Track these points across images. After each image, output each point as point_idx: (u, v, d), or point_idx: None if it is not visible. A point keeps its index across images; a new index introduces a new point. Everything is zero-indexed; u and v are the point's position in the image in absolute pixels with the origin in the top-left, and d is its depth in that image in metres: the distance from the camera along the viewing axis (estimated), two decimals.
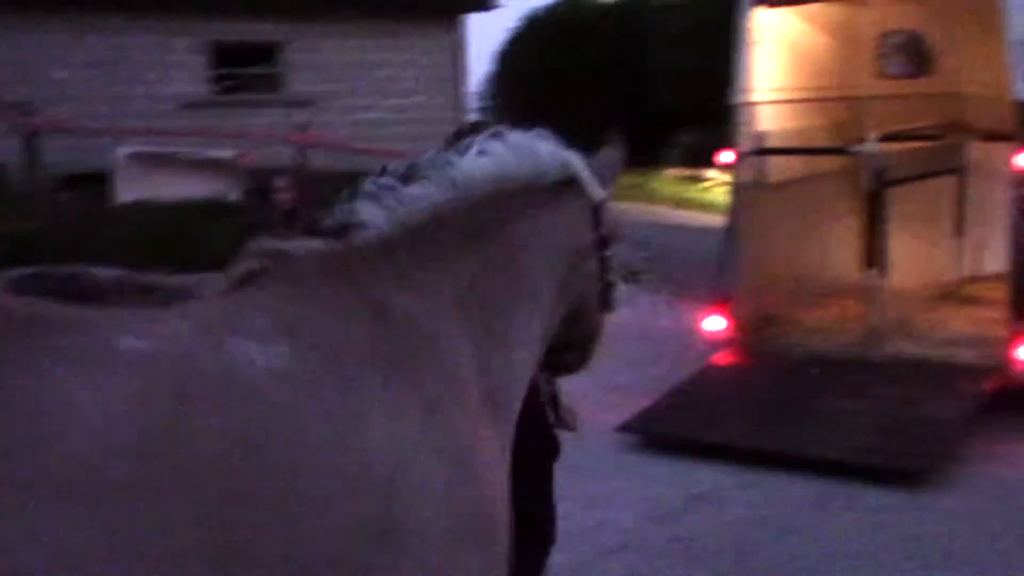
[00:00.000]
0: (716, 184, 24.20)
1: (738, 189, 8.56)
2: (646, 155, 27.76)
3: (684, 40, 26.84)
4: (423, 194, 2.49)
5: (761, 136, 8.71)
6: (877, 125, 9.64)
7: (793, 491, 6.49)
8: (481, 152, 2.63)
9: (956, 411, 7.16)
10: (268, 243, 2.37)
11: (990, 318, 8.61)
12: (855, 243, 9.38)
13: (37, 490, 1.68)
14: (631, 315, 11.71)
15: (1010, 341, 7.53)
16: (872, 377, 7.75)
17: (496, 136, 2.71)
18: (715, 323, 8.59)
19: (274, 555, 1.92)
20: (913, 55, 10.47)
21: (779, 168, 8.93)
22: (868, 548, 5.71)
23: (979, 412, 7.23)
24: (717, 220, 20.03)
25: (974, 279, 9.99)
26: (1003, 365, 7.56)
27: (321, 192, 10.07)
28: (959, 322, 8.75)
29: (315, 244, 2.35)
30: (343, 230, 2.39)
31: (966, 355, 7.98)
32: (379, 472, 2.10)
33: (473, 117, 24.67)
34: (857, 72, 10.29)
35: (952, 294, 9.60)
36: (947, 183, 9.58)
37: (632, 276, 14.00)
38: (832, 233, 9.81)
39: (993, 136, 9.82)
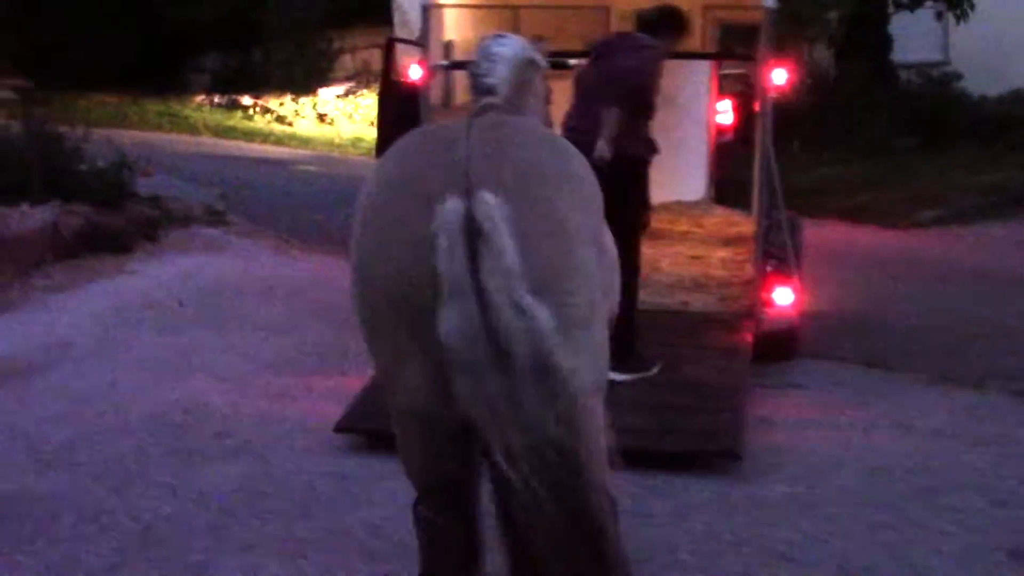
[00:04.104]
0: (259, 111, 22.29)
1: (425, 113, 6.92)
2: (168, 79, 25.03)
3: None
4: (501, 68, 3.66)
5: (450, 47, 7.13)
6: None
7: None
8: (501, 44, 3.78)
9: (727, 373, 6.12)
10: (481, 101, 3.57)
11: (722, 259, 7.75)
12: None
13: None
14: (239, 269, 9.77)
15: (760, 284, 6.61)
16: None
17: (500, 36, 3.88)
18: None
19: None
20: None
21: (464, 87, 7.43)
22: (704, 554, 4.54)
23: (749, 372, 6.26)
24: (283, 152, 18.50)
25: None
26: (754, 312, 6.64)
27: None
28: (678, 263, 7.78)
29: (490, 99, 3.55)
30: (490, 90, 3.60)
31: (706, 302, 7.02)
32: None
33: None
34: None
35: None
36: None
37: (217, 217, 11.93)
38: None
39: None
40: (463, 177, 2.92)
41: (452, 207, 2.86)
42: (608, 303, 3.37)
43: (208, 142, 19.36)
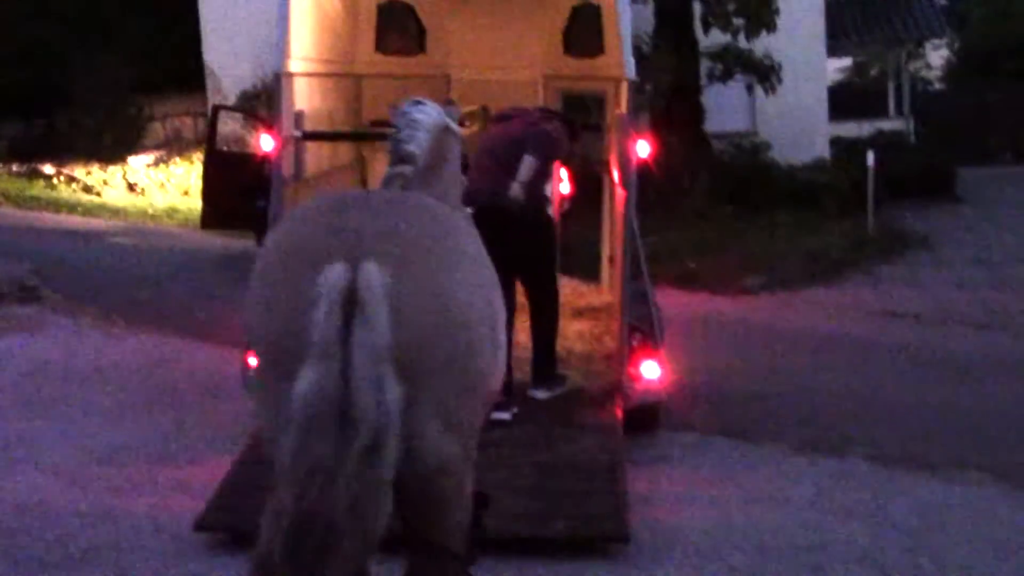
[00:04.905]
0: (64, 180, 21.27)
1: (276, 186, 6.58)
2: None
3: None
4: (422, 136, 3.92)
5: (300, 117, 6.84)
6: (375, 107, 8.44)
7: None
8: (421, 111, 4.03)
9: (602, 452, 5.95)
10: (394, 168, 3.81)
11: (578, 332, 7.61)
12: None
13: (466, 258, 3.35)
14: (61, 350, 9.14)
15: (626, 358, 6.50)
16: None
17: (418, 102, 4.14)
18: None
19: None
20: (407, 31, 9.23)
21: (310, 159, 7.15)
22: None
23: (625, 450, 6.10)
24: (94, 223, 17.56)
25: None
26: (622, 387, 6.51)
27: None
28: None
29: (405, 168, 3.78)
30: (408, 158, 3.83)
31: (571, 378, 6.86)
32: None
33: None
34: (358, 45, 8.80)
35: None
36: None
37: (29, 294, 11.19)
38: None
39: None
40: (351, 245, 3.03)
41: (336, 273, 2.95)
42: (493, 379, 3.44)
43: (9, 213, 18.26)
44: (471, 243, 3.48)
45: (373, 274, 2.95)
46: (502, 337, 3.51)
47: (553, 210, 6.91)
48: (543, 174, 6.54)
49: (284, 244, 3.28)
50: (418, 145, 3.85)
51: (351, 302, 2.92)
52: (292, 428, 2.91)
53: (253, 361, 3.26)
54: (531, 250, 6.45)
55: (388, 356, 2.93)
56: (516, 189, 6.25)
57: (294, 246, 3.21)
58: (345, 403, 2.88)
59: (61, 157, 21.85)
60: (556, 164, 6.95)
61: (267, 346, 3.17)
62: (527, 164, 6.29)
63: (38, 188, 20.94)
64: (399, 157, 3.83)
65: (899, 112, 25.49)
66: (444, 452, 3.15)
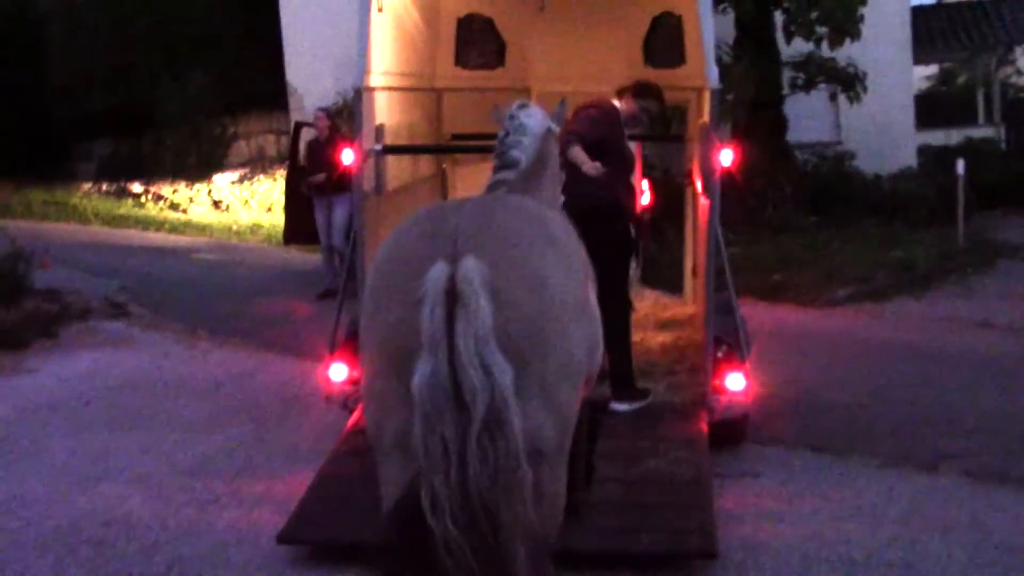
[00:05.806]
0: (151, 198, 21.67)
1: (358, 200, 6.58)
2: (54, 167, 24.22)
3: (89, 44, 23.58)
4: (528, 141, 4.33)
5: (380, 131, 6.83)
6: (455, 120, 8.42)
7: None
8: (529, 115, 4.47)
9: (689, 466, 5.83)
10: (499, 174, 4.31)
11: (662, 344, 7.50)
12: None
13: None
14: (147, 364, 9.25)
15: (711, 370, 6.37)
16: None
17: (524, 105, 4.57)
18: (339, 372, 6.55)
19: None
20: (487, 44, 9.20)
21: (392, 173, 7.14)
22: None
23: (711, 464, 5.97)
24: (180, 240, 17.89)
25: None
26: (708, 400, 6.39)
27: None
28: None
29: (509, 174, 4.27)
30: (513, 163, 4.30)
31: (656, 391, 6.75)
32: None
33: None
34: (438, 60, 8.80)
35: None
36: None
37: (118, 310, 11.36)
38: None
39: None
40: (451, 245, 3.27)
41: (437, 271, 3.18)
42: (589, 362, 3.62)
43: (99, 231, 18.65)
44: (561, 231, 3.71)
45: (471, 267, 3.15)
46: (598, 329, 3.74)
47: (635, 210, 6.89)
48: (615, 163, 6.42)
49: (391, 255, 3.55)
50: (523, 151, 4.18)
51: (453, 297, 3.12)
52: (418, 419, 3.11)
53: (361, 365, 3.55)
54: (601, 244, 6.17)
55: (493, 340, 3.12)
56: (589, 168, 6.04)
57: (399, 255, 3.48)
58: (456, 388, 3.08)
59: (149, 176, 22.28)
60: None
61: (381, 346, 3.37)
62: (571, 155, 6.07)
63: (127, 207, 21.36)
64: (505, 162, 4.16)
65: (989, 119, 24.88)
66: (542, 435, 3.28)
